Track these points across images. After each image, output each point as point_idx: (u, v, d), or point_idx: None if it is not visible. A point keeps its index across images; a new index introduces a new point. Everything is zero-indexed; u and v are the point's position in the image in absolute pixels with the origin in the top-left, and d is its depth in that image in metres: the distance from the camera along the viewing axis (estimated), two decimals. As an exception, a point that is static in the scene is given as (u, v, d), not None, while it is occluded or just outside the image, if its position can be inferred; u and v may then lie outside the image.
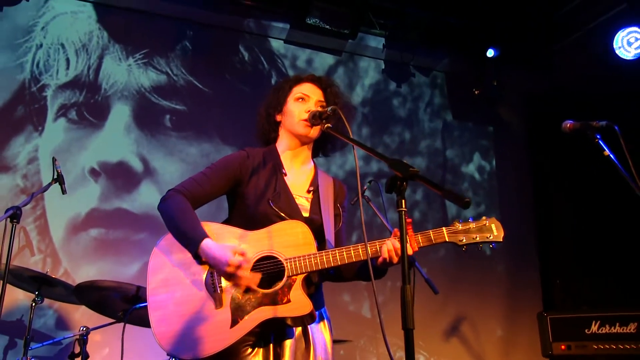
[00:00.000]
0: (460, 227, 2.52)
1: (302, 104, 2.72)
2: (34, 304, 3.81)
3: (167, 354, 2.43)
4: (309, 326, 2.52)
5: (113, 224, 4.96)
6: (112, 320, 3.81)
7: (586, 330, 4.72)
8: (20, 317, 4.44)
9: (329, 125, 2.55)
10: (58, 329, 4.60)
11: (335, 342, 4.75)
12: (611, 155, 2.80)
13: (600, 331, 4.68)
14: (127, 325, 3.70)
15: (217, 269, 2.39)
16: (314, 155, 2.85)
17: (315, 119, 2.60)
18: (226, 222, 2.62)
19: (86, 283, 3.68)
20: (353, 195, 3.48)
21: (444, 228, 2.51)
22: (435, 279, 5.65)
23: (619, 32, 5.28)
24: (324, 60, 6.10)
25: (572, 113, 3.13)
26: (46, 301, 4.28)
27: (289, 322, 2.43)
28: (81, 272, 4.69)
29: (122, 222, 4.99)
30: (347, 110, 2.73)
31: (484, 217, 2.55)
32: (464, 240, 2.50)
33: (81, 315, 4.58)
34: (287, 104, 2.75)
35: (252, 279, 2.39)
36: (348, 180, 5.54)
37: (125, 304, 3.68)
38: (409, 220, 2.37)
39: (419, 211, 6.11)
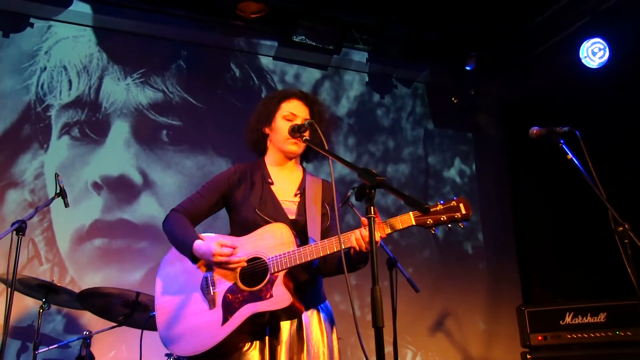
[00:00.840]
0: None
1: (289, 122, 2.78)
2: (41, 310, 3.88)
3: (170, 353, 2.62)
4: (304, 322, 2.57)
5: (115, 234, 5.03)
6: (114, 325, 3.88)
7: (561, 322, 4.77)
8: (30, 323, 4.51)
9: (307, 137, 2.68)
10: (66, 332, 4.66)
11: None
12: (574, 159, 2.86)
13: (573, 322, 4.74)
14: (129, 328, 3.79)
15: (209, 263, 2.53)
16: (302, 161, 2.94)
17: (294, 132, 2.70)
18: (230, 232, 2.77)
19: (88, 290, 3.76)
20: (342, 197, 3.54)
21: (410, 212, 2.45)
22: (421, 277, 5.79)
23: (584, 43, 5.34)
24: (311, 75, 6.16)
25: (543, 119, 3.20)
26: (54, 307, 4.37)
27: (281, 317, 2.52)
28: (86, 280, 4.75)
29: (123, 232, 5.05)
30: (333, 123, 2.82)
31: (451, 198, 2.49)
32: (431, 222, 2.43)
33: (88, 321, 4.63)
34: (275, 120, 2.81)
35: (239, 262, 2.50)
36: (337, 186, 5.59)
37: (125, 309, 3.75)
38: (374, 209, 2.43)
39: (401, 202, 6.14)
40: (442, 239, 6.23)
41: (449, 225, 2.45)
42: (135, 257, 4.99)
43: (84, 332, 3.71)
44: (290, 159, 2.84)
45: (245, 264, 2.52)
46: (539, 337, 4.80)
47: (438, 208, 2.46)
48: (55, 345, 3.75)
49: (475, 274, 6.28)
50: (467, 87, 6.34)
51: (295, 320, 2.57)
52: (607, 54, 5.27)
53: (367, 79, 6.44)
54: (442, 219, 2.43)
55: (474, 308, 6.14)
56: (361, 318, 5.65)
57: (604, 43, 5.27)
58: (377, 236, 2.39)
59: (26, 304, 4.47)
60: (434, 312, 5.95)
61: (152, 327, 3.81)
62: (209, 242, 2.51)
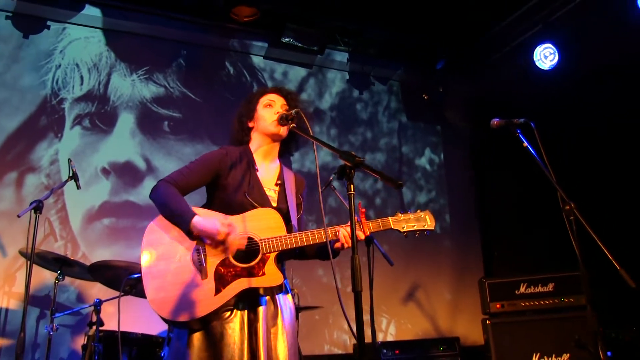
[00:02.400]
0: (402, 218, 2.67)
1: (270, 108, 2.79)
2: (57, 281, 3.94)
3: (162, 318, 2.45)
4: (276, 295, 2.58)
5: (122, 214, 5.07)
6: (121, 294, 3.93)
7: (516, 291, 4.89)
8: (47, 293, 4.58)
9: (294, 125, 2.65)
10: (78, 302, 4.73)
11: (310, 308, 4.91)
12: (528, 147, 2.92)
13: (526, 291, 4.87)
14: (134, 297, 3.85)
15: (208, 239, 2.45)
16: (280, 154, 2.90)
17: (282, 120, 2.68)
18: (205, 208, 2.66)
19: (98, 263, 3.80)
20: (315, 187, 3.61)
21: (389, 218, 2.66)
22: (395, 253, 5.89)
23: (537, 48, 5.45)
24: (297, 73, 6.21)
25: (503, 113, 3.26)
26: (68, 279, 4.41)
27: (261, 291, 2.51)
28: (96, 255, 4.79)
29: (129, 213, 5.09)
30: (309, 112, 2.84)
31: (419, 210, 2.70)
32: (405, 228, 2.67)
33: (98, 291, 4.65)
34: (257, 111, 2.81)
35: (240, 243, 2.48)
36: (320, 172, 5.67)
37: (131, 280, 3.80)
38: (362, 210, 2.54)
39: (380, 198, 6.27)
40: (414, 220, 6.32)
41: (417, 234, 2.69)
42: (140, 235, 4.66)
43: (95, 300, 3.76)
44: (274, 141, 2.80)
45: (243, 246, 2.48)
46: (498, 305, 4.93)
47: (410, 217, 2.68)
48: (70, 311, 3.80)
49: (443, 250, 6.38)
50: (437, 85, 6.45)
51: (269, 297, 2.56)
52: (557, 57, 5.39)
53: (347, 77, 6.49)
54: (413, 227, 2.67)
55: (441, 281, 6.25)
56: (342, 290, 5.73)
57: (554, 48, 5.38)
58: (361, 235, 2.56)
59: (44, 276, 4.54)
60: (406, 284, 6.04)
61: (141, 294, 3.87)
62: (212, 220, 2.44)
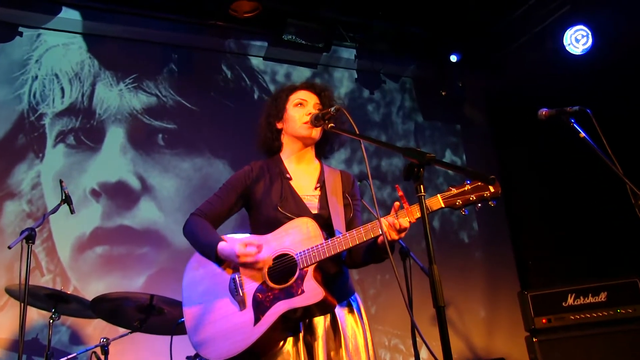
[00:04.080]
0: (455, 191, 2.36)
1: (301, 108, 2.73)
2: (51, 321, 3.76)
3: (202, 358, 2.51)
4: (337, 315, 2.49)
5: (117, 241, 4.93)
6: (128, 330, 3.78)
7: (563, 303, 4.80)
8: (35, 336, 4.40)
9: (332, 124, 2.56)
10: (72, 344, 4.54)
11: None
12: (586, 137, 2.88)
13: (575, 303, 4.77)
14: (144, 334, 3.70)
15: (234, 264, 2.47)
16: (317, 156, 2.84)
17: (317, 120, 2.60)
18: (250, 232, 2.69)
19: (102, 296, 3.64)
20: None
21: (438, 195, 2.37)
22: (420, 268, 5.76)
23: (567, 31, 5.41)
24: (301, 74, 6.13)
25: (530, 107, 3.20)
26: (60, 318, 4.24)
27: (315, 313, 2.44)
28: (90, 289, 4.64)
29: (125, 239, 4.96)
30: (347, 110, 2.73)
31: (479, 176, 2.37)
32: (460, 203, 2.34)
33: (94, 329, 4.54)
34: (286, 110, 2.76)
35: (265, 260, 2.44)
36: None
37: (140, 314, 3.65)
38: (401, 193, 2.37)
39: (396, 195, 6.14)
40: (439, 229, 6.25)
41: (479, 205, 2.36)
42: (138, 263, 4.90)
43: (101, 339, 3.59)
44: (307, 145, 2.74)
45: (271, 262, 2.46)
46: (543, 320, 4.81)
47: (466, 188, 2.36)
48: (72, 355, 3.61)
49: (472, 262, 6.30)
50: (454, 80, 6.38)
51: (329, 315, 2.48)
52: (591, 40, 5.34)
53: (356, 76, 6.44)
54: (471, 198, 2.34)
55: (473, 296, 6.16)
56: (365, 312, 5.61)
57: (587, 30, 5.33)
58: (406, 221, 2.38)
59: (31, 316, 4.35)
60: None
61: (180, 331, 3.75)
62: (232, 243, 2.45)
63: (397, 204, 2.40)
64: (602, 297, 4.72)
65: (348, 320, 2.54)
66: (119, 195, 5.05)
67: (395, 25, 5.96)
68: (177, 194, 5.17)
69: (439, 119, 6.71)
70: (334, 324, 2.49)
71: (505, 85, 6.48)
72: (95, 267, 4.82)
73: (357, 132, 2.40)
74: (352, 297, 2.62)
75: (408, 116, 6.59)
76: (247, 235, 2.59)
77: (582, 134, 2.89)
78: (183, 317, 2.59)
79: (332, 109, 2.55)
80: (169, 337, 3.52)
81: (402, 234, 2.39)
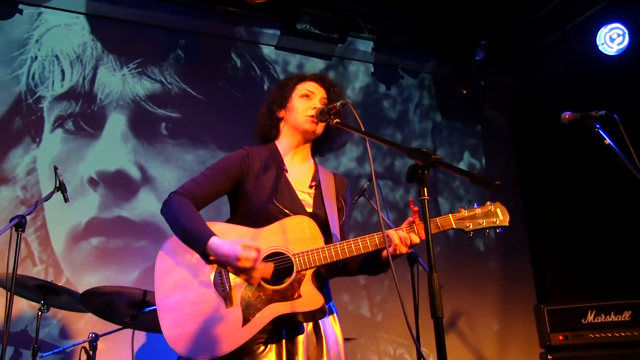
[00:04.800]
0: (466, 214, 2.47)
1: (307, 100, 2.70)
2: (40, 313, 3.75)
3: (181, 357, 2.35)
4: (319, 320, 2.46)
5: (113, 233, 4.91)
6: (119, 327, 3.75)
7: (582, 320, 4.71)
8: (24, 328, 4.40)
9: (338, 120, 2.52)
10: (62, 338, 4.53)
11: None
12: (612, 144, 2.82)
13: (596, 320, 4.68)
14: (135, 331, 3.66)
15: (228, 265, 2.34)
16: (313, 153, 2.82)
17: (323, 114, 2.57)
18: (229, 221, 2.59)
19: (93, 289, 3.62)
20: (353, 192, 3.47)
21: (450, 215, 2.46)
22: (431, 275, 5.69)
23: (602, 29, 5.30)
24: (314, 65, 6.08)
25: (555, 110, 3.14)
26: (50, 311, 4.22)
27: (300, 317, 2.38)
28: (83, 281, 4.63)
29: (122, 230, 4.94)
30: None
31: (488, 202, 2.51)
32: (471, 227, 2.45)
33: (85, 324, 4.52)
34: (291, 100, 2.72)
35: (265, 270, 2.35)
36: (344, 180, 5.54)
37: (132, 310, 3.62)
38: (415, 208, 2.38)
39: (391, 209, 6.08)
40: (453, 236, 6.18)
41: (487, 231, 2.48)
42: (134, 257, 4.88)
43: (90, 335, 3.56)
44: (307, 140, 2.71)
45: (269, 276, 2.36)
46: (560, 337, 4.73)
47: (477, 212, 2.47)
48: (59, 350, 3.59)
49: (487, 272, 6.23)
50: (476, 78, 6.31)
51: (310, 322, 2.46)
52: (627, 39, 5.23)
53: (372, 70, 6.39)
54: (481, 223, 2.46)
55: (487, 308, 6.08)
56: (371, 319, 5.58)
57: (624, 28, 5.22)
58: (417, 238, 2.42)
59: (20, 307, 4.36)
60: (446, 311, 5.65)
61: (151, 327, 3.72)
62: (231, 243, 2.32)
63: (410, 219, 2.45)
64: (626, 316, 4.62)
65: (329, 327, 2.51)
66: (118, 185, 5.03)
67: (416, 18, 5.89)
68: (179, 186, 5.12)
69: (459, 118, 6.64)
70: (317, 330, 2.46)
71: (530, 86, 6.40)
72: (89, 259, 4.79)
73: (363, 130, 2.34)
74: (332, 302, 2.60)
75: (426, 114, 6.52)
76: (240, 227, 2.48)
77: (608, 141, 2.82)
78: (153, 306, 2.46)
79: (338, 103, 2.51)
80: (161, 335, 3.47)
81: (411, 249, 2.44)
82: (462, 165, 6.53)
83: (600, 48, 5.30)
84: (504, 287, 6.20)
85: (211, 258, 2.36)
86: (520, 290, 6.20)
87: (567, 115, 3.03)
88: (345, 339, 4.74)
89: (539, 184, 6.50)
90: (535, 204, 6.54)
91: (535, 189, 6.55)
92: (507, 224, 2.47)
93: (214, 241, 2.33)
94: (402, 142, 6.29)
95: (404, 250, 2.41)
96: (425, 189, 1.94)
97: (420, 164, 1.94)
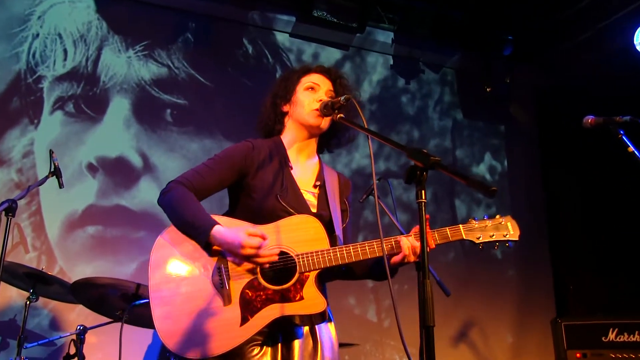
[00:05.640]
0: (476, 225, 2.52)
1: (312, 93, 2.70)
2: (28, 302, 3.75)
3: (172, 353, 2.34)
4: (316, 325, 2.48)
5: (111, 222, 4.91)
6: (110, 320, 3.75)
7: (603, 338, 4.68)
8: (13, 317, 4.40)
9: (342, 115, 2.52)
10: (52, 329, 4.54)
11: (341, 345, 4.73)
12: (636, 152, 2.79)
13: (618, 339, 4.63)
14: (126, 325, 3.65)
15: (232, 254, 2.35)
16: (319, 150, 2.82)
17: (327, 109, 2.57)
18: (228, 215, 2.57)
19: (83, 280, 3.62)
20: (359, 193, 3.46)
21: (460, 225, 2.52)
22: (445, 282, 5.63)
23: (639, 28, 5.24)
24: (330, 55, 6.06)
25: (585, 111, 3.10)
26: (41, 300, 4.24)
27: (297, 320, 2.39)
28: (77, 271, 4.63)
29: (120, 220, 4.93)
30: (358, 101, 2.68)
31: (498, 216, 2.57)
32: (481, 239, 2.51)
33: (77, 316, 4.52)
34: (296, 93, 2.72)
35: (270, 257, 2.35)
36: (354, 178, 5.51)
37: (124, 303, 3.61)
38: (426, 216, 2.35)
39: (428, 212, 6.03)
40: (469, 242, 6.10)
41: (497, 245, 2.53)
42: (132, 248, 4.87)
43: (78, 327, 3.56)
44: (312, 135, 2.71)
45: (276, 259, 2.37)
46: (577, 354, 4.71)
47: (487, 224, 2.53)
48: (45, 341, 3.60)
49: (504, 281, 6.19)
50: (501, 75, 6.25)
51: (307, 326, 2.48)
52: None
53: (391, 62, 6.35)
54: (491, 236, 2.52)
55: (502, 318, 6.05)
56: (378, 324, 5.53)
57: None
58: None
59: (9, 295, 4.38)
60: (457, 321, 5.85)
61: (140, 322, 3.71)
62: (235, 230, 2.32)
63: (416, 227, 2.47)
64: (652, 336, 4.56)
65: (325, 330, 2.53)
66: (118, 172, 5.02)
67: (439, 8, 5.84)
68: None
69: (481, 117, 6.59)
70: (312, 333, 2.47)
71: (559, 86, 6.31)
72: (85, 248, 4.80)
73: (366, 126, 2.38)
74: (328, 307, 2.59)
75: (446, 112, 6.47)
76: (244, 222, 2.48)
77: (631, 148, 2.79)
78: (146, 299, 2.46)
79: (342, 98, 2.51)
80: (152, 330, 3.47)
81: (419, 258, 2.43)
82: (482, 167, 6.47)
83: (638, 48, 5.23)
84: (521, 297, 6.16)
85: (214, 248, 2.37)
86: (538, 302, 6.15)
87: (589, 119, 3.02)
88: (348, 345, 4.77)
89: (564, 189, 6.44)
90: (559, 210, 6.48)
91: (560, 194, 6.47)
92: (517, 239, 2.53)
93: (218, 229, 2.34)
94: (420, 141, 6.25)
95: (412, 259, 2.45)
96: (423, 191, 1.96)
97: (419, 166, 1.94)
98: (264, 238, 2.31)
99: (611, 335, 4.64)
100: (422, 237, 1.98)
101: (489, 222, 2.53)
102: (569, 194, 6.37)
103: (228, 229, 2.34)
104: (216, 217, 2.44)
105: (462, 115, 6.52)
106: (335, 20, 5.60)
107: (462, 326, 5.86)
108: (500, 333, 6.00)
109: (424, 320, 1.89)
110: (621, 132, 2.88)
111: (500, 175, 6.55)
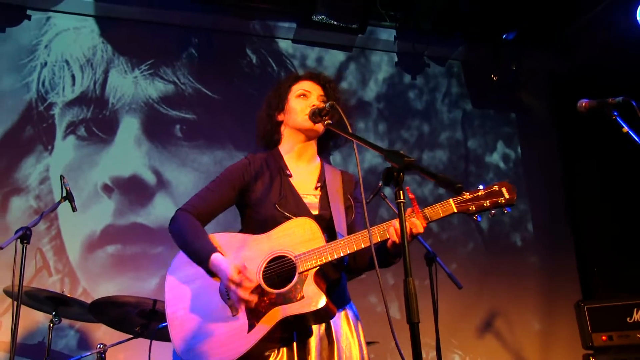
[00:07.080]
0: (468, 196, 2.42)
1: (304, 100, 2.76)
2: (51, 325, 3.85)
3: None
4: (332, 324, 2.51)
5: (129, 240, 5.00)
6: (129, 336, 3.82)
7: (628, 319, 4.59)
8: (41, 340, 4.49)
9: (329, 121, 2.58)
10: (80, 349, 4.63)
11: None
12: (630, 132, 2.74)
13: (643, 319, 4.55)
14: (145, 340, 3.71)
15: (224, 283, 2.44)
16: (320, 152, 2.87)
17: (315, 116, 2.64)
18: (241, 231, 2.68)
19: (101, 300, 3.69)
20: (368, 190, 3.47)
21: (450, 199, 2.43)
22: (466, 273, 5.65)
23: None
24: (334, 58, 6.07)
25: (597, 92, 3.05)
26: (67, 321, 4.35)
27: (310, 321, 2.43)
28: (100, 290, 4.72)
29: (138, 237, 5.02)
30: (344, 106, 2.71)
31: (494, 183, 2.46)
32: (474, 208, 2.40)
33: (103, 334, 4.58)
34: (288, 102, 2.78)
35: (250, 288, 2.39)
36: (367, 177, 5.51)
37: (142, 319, 3.69)
38: (412, 196, 2.36)
39: (439, 191, 6.00)
40: (487, 231, 6.07)
41: (493, 212, 2.42)
42: (152, 263, 4.95)
43: (98, 346, 3.65)
44: (309, 138, 2.77)
45: (256, 299, 2.41)
46: (603, 337, 4.63)
47: (480, 193, 2.42)
48: (71, 360, 3.68)
49: (526, 268, 6.12)
50: (508, 62, 6.18)
51: (323, 324, 2.50)
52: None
53: (396, 59, 6.34)
54: (485, 204, 2.40)
55: (527, 306, 5.98)
56: (400, 321, 5.51)
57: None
58: (419, 228, 2.40)
59: (36, 319, 4.47)
60: (482, 311, 5.81)
61: (164, 337, 3.77)
62: (228, 263, 2.40)
63: (409, 209, 2.43)
64: (678, 314, 4.48)
65: (343, 330, 2.54)
66: (133, 190, 5.10)
67: (441, 1, 5.76)
68: (195, 189, 4.97)
69: (491, 106, 6.54)
70: (329, 333, 2.50)
71: (568, 67, 6.22)
72: (105, 268, 4.89)
73: (350, 131, 2.42)
74: (349, 305, 2.64)
75: (455, 104, 6.43)
76: (240, 235, 2.58)
77: (626, 129, 2.75)
78: (163, 316, 2.56)
79: (327, 104, 2.58)
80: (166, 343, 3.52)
81: (413, 239, 2.45)
82: (495, 156, 6.42)
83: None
84: (545, 283, 6.08)
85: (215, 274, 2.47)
86: (563, 287, 6.06)
87: (583, 103, 2.96)
88: (371, 343, 4.75)
89: (584, 172, 6.32)
90: (579, 193, 6.37)
91: (580, 179, 6.36)
92: (514, 203, 2.41)
93: (215, 258, 2.43)
94: (430, 134, 6.23)
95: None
96: (401, 191, 1.97)
97: (395, 167, 1.97)
98: (249, 280, 2.37)
99: (636, 316, 4.55)
100: (402, 236, 1.97)
101: (481, 191, 2.43)
102: (590, 176, 6.26)
103: (224, 259, 2.42)
104: (216, 236, 2.55)
105: (471, 105, 6.48)
106: (336, 22, 5.60)
107: (487, 316, 5.82)
108: (527, 321, 5.93)
109: (410, 316, 1.92)
110: (615, 113, 2.82)
111: (514, 162, 6.49)
